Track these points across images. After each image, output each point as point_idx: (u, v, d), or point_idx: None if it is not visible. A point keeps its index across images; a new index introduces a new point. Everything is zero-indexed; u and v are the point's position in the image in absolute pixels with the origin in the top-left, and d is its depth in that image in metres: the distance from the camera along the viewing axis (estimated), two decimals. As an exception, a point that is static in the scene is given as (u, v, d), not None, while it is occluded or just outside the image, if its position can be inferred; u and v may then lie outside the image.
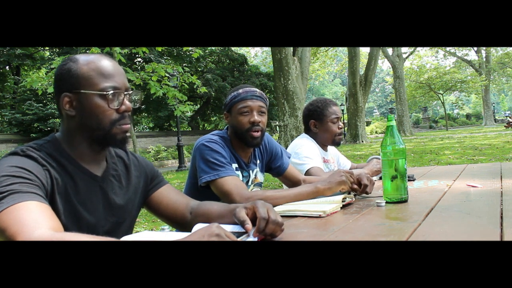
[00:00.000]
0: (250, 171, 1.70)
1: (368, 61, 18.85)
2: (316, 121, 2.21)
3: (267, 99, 1.67)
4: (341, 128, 2.24)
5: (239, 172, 1.64)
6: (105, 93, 1.01)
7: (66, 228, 0.96)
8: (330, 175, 1.48)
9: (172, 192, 1.26)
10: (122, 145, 1.09)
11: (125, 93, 1.05)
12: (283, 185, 1.93)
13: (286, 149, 1.97)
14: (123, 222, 1.15)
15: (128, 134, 1.08)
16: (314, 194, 1.44)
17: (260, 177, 1.77)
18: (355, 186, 1.47)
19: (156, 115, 19.25)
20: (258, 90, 1.63)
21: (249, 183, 1.71)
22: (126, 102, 1.05)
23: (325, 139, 2.22)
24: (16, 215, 0.79)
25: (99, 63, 1.03)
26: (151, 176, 1.25)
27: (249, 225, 0.96)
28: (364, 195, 1.50)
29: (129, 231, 1.19)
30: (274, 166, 1.81)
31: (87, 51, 9.23)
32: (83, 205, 1.03)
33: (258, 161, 1.76)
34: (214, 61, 21.63)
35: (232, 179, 1.48)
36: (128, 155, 1.22)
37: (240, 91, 1.61)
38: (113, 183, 1.12)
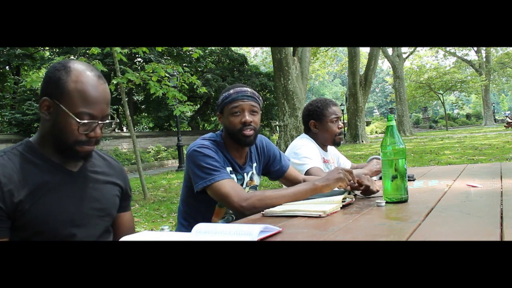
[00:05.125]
0: (245, 174, 1.68)
1: (368, 61, 18.85)
2: (316, 121, 2.21)
3: (260, 98, 1.65)
4: (341, 128, 2.24)
5: (233, 175, 1.62)
6: (78, 120, 1.02)
7: (44, 222, 1.01)
8: (328, 173, 1.48)
9: (128, 223, 1.31)
10: (83, 160, 1.12)
11: (100, 122, 1.06)
12: (283, 186, 1.92)
13: (286, 149, 1.96)
14: (102, 217, 1.17)
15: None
16: (312, 192, 1.43)
17: (256, 180, 1.76)
18: (355, 185, 1.46)
19: (156, 115, 19.24)
20: (249, 89, 1.61)
21: (244, 185, 1.68)
22: (97, 130, 1.06)
23: (325, 139, 2.22)
24: None
25: (86, 87, 1.03)
26: (125, 192, 1.29)
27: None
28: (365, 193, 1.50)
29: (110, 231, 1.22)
30: (274, 169, 1.80)
31: (87, 51, 9.22)
32: (58, 199, 1.05)
33: (255, 164, 1.74)
34: (214, 61, 21.59)
35: (228, 182, 1.47)
36: (111, 157, 1.27)
37: (231, 91, 1.59)
38: (90, 177, 1.15)
